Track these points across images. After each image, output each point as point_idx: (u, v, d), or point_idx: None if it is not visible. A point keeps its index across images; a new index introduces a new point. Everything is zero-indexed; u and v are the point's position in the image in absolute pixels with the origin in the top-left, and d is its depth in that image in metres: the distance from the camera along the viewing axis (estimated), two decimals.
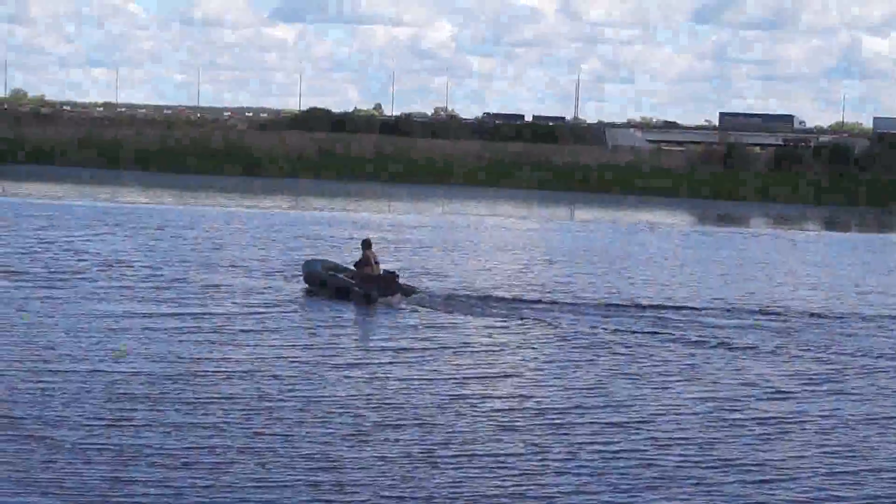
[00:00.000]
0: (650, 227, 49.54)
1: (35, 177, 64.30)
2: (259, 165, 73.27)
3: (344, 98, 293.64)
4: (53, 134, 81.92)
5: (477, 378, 17.96)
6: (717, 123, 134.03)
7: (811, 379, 18.73)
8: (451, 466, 13.39)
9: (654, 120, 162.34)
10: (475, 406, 16.19)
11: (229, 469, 12.97)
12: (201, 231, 38.32)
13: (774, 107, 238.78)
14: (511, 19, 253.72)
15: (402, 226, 43.92)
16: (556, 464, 13.64)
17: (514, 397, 16.89)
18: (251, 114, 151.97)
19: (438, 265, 31.55)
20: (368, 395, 16.55)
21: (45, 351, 18.44)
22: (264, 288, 26.05)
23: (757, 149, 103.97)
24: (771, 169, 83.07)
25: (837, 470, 13.88)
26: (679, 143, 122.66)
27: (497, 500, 12.43)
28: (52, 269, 27.49)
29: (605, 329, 22.28)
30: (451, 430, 14.87)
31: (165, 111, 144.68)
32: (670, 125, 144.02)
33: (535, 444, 14.39)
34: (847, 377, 19.00)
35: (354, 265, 26.10)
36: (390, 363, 18.85)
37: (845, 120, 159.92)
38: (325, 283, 25.73)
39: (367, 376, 17.74)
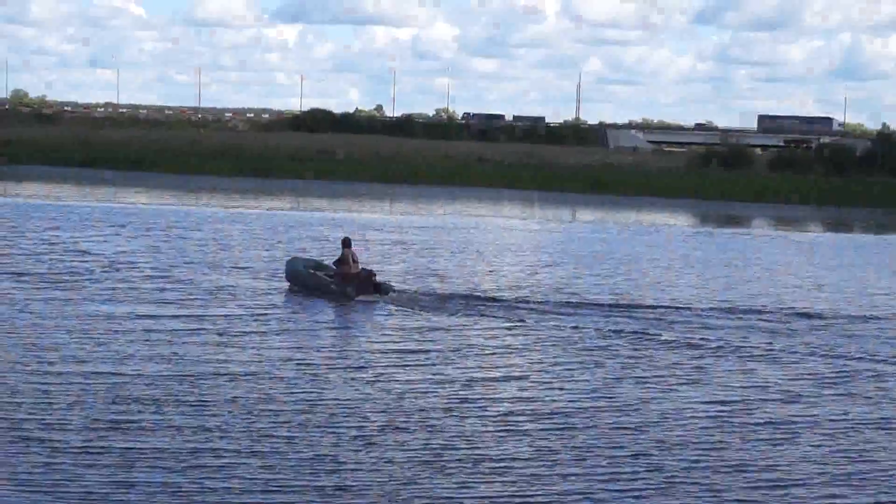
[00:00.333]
0: (654, 228, 49.43)
1: (37, 178, 64.29)
2: (260, 166, 73.24)
3: (345, 99, 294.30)
4: (55, 135, 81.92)
5: (482, 381, 17.84)
6: (755, 126, 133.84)
7: (819, 381, 18.63)
8: (457, 469, 13.29)
9: (656, 121, 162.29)
10: (481, 409, 16.09)
11: (234, 472, 12.87)
12: (205, 232, 38.24)
13: (775, 108, 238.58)
14: (513, 20, 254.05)
15: (404, 227, 43.83)
16: (563, 467, 13.54)
17: (520, 400, 16.78)
18: (253, 115, 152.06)
19: (444, 266, 31.45)
20: (373, 397, 16.46)
21: (48, 352, 18.35)
22: (267, 289, 25.98)
23: (758, 150, 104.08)
24: (772, 169, 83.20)
25: (846, 473, 13.78)
26: (680, 144, 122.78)
27: None
28: (55, 270, 27.42)
29: (611, 331, 22.18)
30: (456, 433, 14.76)
31: (167, 112, 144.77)
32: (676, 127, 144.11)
33: (542, 448, 14.28)
34: (855, 379, 18.89)
35: (334, 263, 26.36)
36: (395, 365, 18.75)
37: (846, 121, 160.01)
38: (306, 282, 25.92)
39: (372, 379, 17.64)
